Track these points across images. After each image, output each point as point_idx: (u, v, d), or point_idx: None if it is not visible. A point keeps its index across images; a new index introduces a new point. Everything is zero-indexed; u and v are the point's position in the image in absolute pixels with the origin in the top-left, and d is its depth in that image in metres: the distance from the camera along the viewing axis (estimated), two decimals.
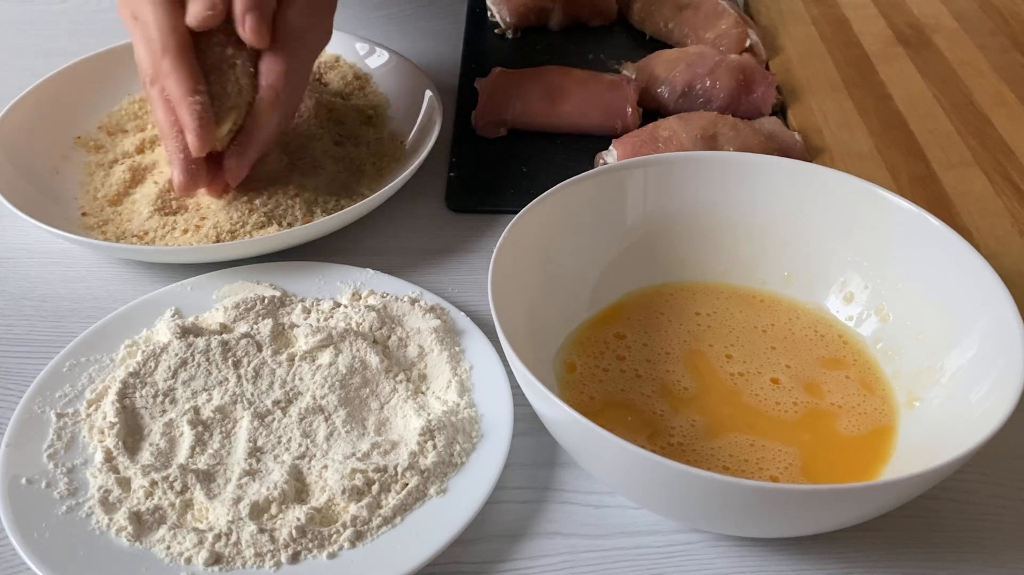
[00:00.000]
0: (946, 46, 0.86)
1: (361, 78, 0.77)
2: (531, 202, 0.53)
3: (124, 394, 0.51)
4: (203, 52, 0.57)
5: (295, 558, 0.44)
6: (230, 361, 0.53)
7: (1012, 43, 0.86)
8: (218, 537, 0.45)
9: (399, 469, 0.47)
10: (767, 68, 0.81)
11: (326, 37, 0.64)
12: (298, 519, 0.45)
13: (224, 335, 0.54)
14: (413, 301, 0.57)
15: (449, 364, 0.53)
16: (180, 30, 0.56)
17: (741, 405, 0.51)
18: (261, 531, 0.45)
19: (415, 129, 0.71)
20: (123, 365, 0.53)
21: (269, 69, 0.58)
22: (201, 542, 0.45)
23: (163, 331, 0.55)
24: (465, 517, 0.45)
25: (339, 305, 0.57)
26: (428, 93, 0.73)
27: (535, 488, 0.49)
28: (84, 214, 0.64)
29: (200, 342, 0.53)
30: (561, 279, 0.55)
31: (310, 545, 0.45)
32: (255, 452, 0.49)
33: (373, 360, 0.53)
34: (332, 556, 0.44)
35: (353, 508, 0.46)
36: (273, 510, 0.46)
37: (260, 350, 0.53)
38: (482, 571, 0.46)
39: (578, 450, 0.45)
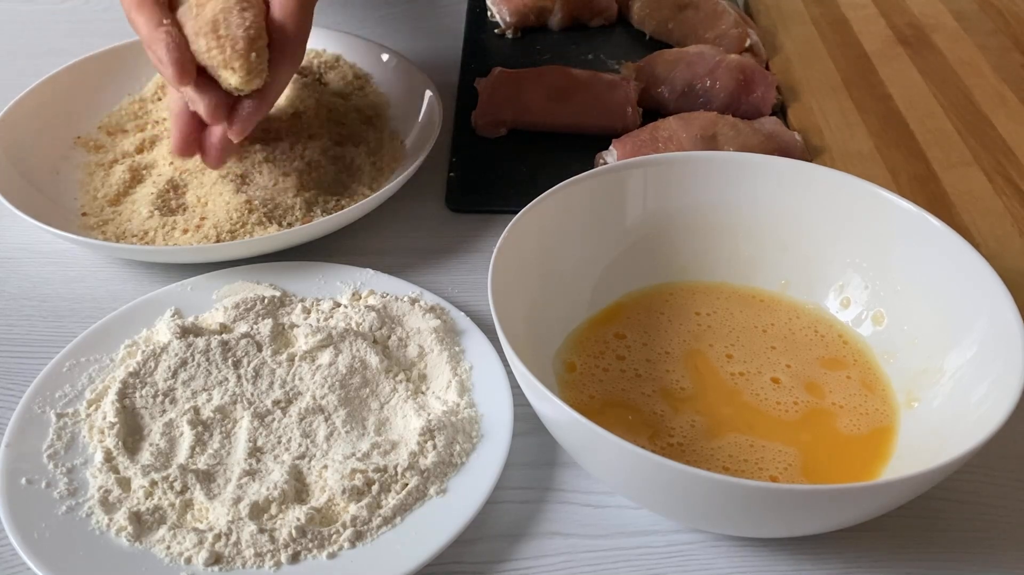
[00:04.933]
0: (946, 46, 0.86)
1: (361, 78, 0.77)
2: (531, 202, 0.53)
3: (124, 394, 0.51)
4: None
5: (295, 558, 0.44)
6: (230, 361, 0.53)
7: (1012, 43, 0.86)
8: (218, 537, 0.45)
9: (399, 469, 0.47)
10: (767, 68, 0.81)
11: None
12: (298, 519, 0.45)
13: (224, 335, 0.54)
14: (413, 301, 0.57)
15: (449, 364, 0.53)
16: None
17: (741, 405, 0.51)
18: (261, 531, 0.45)
19: (415, 129, 0.71)
20: (123, 365, 0.53)
21: (286, 19, 0.57)
22: (201, 542, 0.45)
23: (163, 331, 0.55)
24: (465, 517, 0.45)
25: (339, 305, 0.57)
26: (428, 93, 0.73)
27: (535, 488, 0.49)
28: (84, 214, 0.64)
29: (200, 342, 0.53)
30: (561, 279, 0.55)
31: (310, 545, 0.45)
32: (255, 452, 0.49)
33: (373, 360, 0.53)
34: (332, 556, 0.44)
35: (353, 508, 0.46)
36: (273, 510, 0.46)
37: (260, 350, 0.53)
38: (482, 571, 0.46)
39: (578, 450, 0.45)
